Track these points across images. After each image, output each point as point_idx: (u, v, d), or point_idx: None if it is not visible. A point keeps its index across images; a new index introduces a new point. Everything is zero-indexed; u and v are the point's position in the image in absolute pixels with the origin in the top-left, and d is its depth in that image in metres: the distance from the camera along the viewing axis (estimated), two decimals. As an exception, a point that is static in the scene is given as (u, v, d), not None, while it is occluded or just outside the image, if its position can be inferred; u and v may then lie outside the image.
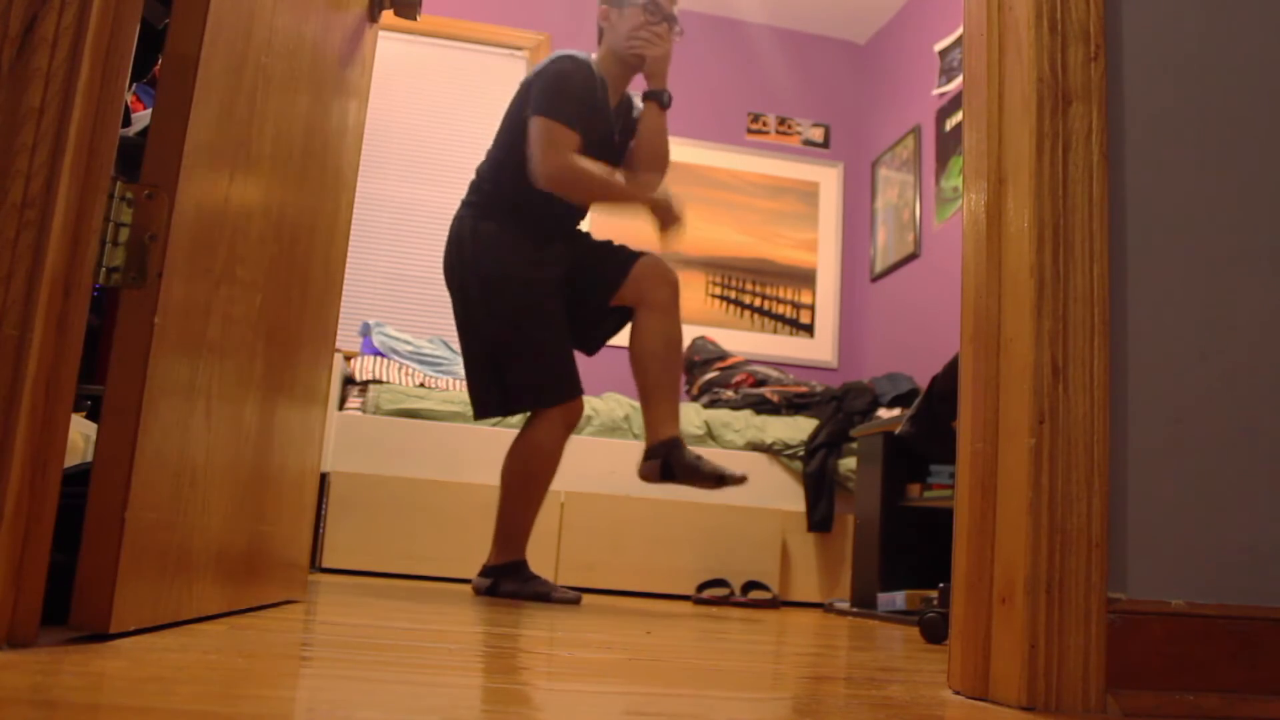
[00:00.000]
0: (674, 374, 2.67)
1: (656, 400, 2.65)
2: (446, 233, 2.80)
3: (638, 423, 3.77)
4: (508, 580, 2.67)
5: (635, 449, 3.67)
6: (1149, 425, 1.13)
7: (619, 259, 2.75)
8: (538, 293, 2.67)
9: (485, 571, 2.72)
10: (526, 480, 2.66)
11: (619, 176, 2.68)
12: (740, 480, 2.53)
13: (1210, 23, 1.23)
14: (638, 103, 2.85)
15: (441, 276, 4.71)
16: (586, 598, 3.02)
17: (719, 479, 2.53)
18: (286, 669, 0.94)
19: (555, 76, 2.67)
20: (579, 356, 2.78)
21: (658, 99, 2.75)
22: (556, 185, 2.62)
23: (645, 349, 2.66)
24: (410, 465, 3.49)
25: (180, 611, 1.16)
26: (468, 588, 3.01)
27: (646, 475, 2.64)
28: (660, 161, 2.79)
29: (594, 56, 2.80)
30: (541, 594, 2.62)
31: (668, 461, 2.59)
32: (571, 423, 2.67)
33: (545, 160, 2.60)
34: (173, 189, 1.04)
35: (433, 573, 3.36)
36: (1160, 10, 1.21)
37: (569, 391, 2.64)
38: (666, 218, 2.69)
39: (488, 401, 2.68)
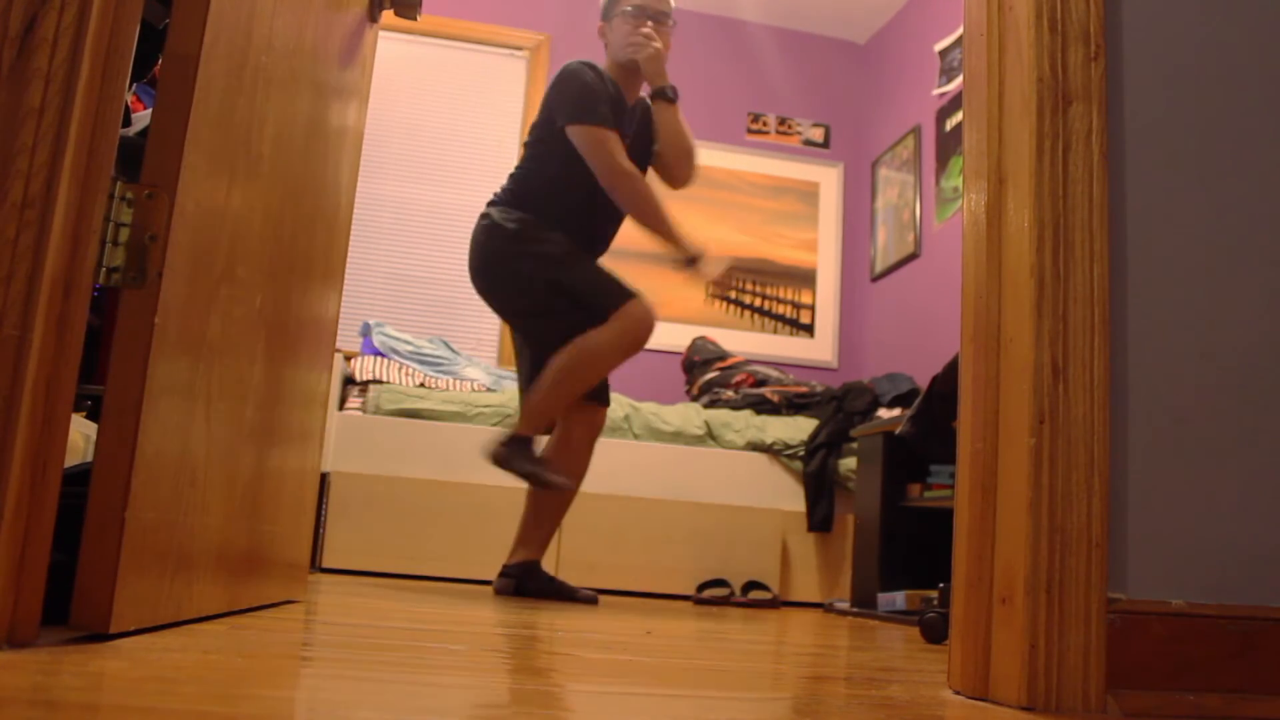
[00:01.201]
0: (567, 508, 2.83)
1: (542, 525, 2.80)
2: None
3: (638, 422, 3.78)
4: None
5: (635, 449, 3.68)
6: (1149, 425, 1.13)
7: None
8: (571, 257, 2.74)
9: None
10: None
11: (667, 215, 2.70)
12: (592, 601, 2.69)
13: (1210, 22, 1.23)
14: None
15: (441, 276, 4.69)
16: (586, 598, 3.03)
17: (571, 596, 2.71)
18: (286, 669, 0.94)
19: (579, 84, 2.71)
20: None
21: (663, 96, 2.80)
22: (622, 187, 2.66)
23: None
24: (410, 465, 3.49)
25: (180, 611, 1.16)
26: (468, 587, 3.01)
27: (500, 590, 2.76)
28: (686, 155, 2.84)
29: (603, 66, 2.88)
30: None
31: (522, 581, 2.73)
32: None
33: (602, 163, 2.65)
34: (173, 189, 1.04)
35: (433, 573, 3.36)
36: (1160, 10, 1.21)
37: (626, 292, 2.67)
38: (691, 272, 2.73)
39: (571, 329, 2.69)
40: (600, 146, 2.65)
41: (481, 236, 2.76)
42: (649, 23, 2.79)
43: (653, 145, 2.88)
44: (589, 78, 2.71)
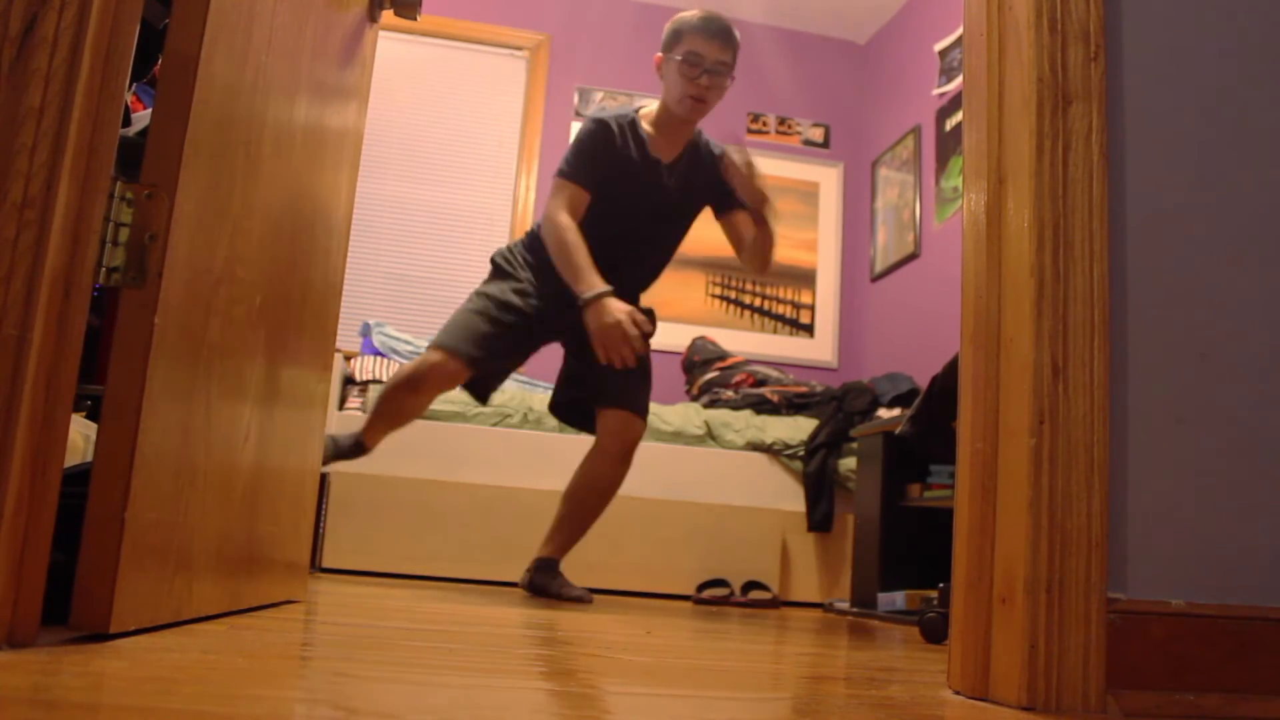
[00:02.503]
0: (594, 515, 2.84)
1: (564, 527, 2.82)
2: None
3: (638, 423, 3.78)
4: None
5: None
6: (1149, 425, 1.13)
7: (597, 390, 2.79)
8: (508, 307, 2.74)
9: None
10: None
11: (585, 263, 2.60)
12: (587, 600, 2.70)
13: (1209, 22, 1.23)
14: (717, 147, 2.84)
15: (441, 276, 4.73)
16: (586, 598, 3.03)
17: (559, 596, 2.70)
18: (286, 669, 0.94)
19: (576, 139, 2.75)
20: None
21: (759, 216, 2.72)
22: (544, 233, 2.69)
23: (584, 484, 2.81)
24: (410, 465, 3.49)
25: (180, 611, 1.16)
26: (468, 587, 3.01)
27: (522, 584, 2.82)
28: (758, 264, 2.83)
29: (643, 110, 2.79)
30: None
31: (533, 576, 2.77)
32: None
33: (547, 208, 2.71)
34: (173, 189, 1.04)
35: (433, 573, 3.36)
36: (1160, 10, 1.21)
37: (459, 348, 2.65)
38: (600, 336, 2.57)
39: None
40: (554, 193, 2.70)
41: None
42: (704, 75, 2.63)
43: (701, 197, 2.84)
44: (592, 141, 2.70)
